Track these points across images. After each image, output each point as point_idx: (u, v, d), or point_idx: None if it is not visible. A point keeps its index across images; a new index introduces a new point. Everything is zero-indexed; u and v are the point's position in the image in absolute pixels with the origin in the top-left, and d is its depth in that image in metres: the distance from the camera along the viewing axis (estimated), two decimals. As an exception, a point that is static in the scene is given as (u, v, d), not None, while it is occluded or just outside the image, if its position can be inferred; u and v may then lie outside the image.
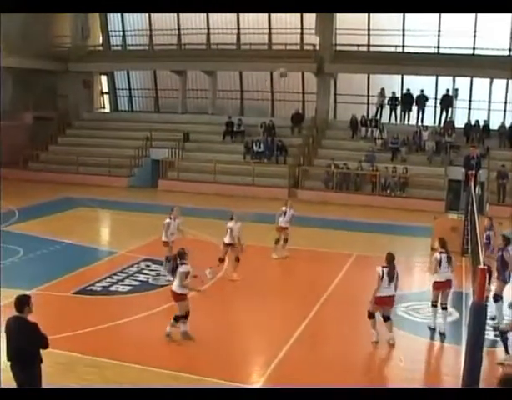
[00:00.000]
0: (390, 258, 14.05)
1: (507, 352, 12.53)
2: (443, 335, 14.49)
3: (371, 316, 13.93)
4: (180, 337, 13.35)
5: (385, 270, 13.78)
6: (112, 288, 16.91)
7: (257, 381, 11.64)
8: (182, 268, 13.30)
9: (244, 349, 13.21)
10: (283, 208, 20.92)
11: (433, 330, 14.75)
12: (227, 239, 18.29)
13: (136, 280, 17.77)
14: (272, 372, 12.00)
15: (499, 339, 13.88)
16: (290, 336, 13.60)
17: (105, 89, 47.39)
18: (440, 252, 14.70)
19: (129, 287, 17.06)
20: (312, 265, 20.62)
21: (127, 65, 43.75)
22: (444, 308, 14.79)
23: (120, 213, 27.99)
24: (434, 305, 14.88)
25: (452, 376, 11.66)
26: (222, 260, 18.48)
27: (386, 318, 13.91)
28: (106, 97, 47.57)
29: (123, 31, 45.56)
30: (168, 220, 18.33)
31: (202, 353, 12.77)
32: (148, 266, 19.21)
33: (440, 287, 14.69)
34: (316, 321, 14.88)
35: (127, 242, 21.96)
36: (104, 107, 47.51)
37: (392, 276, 13.70)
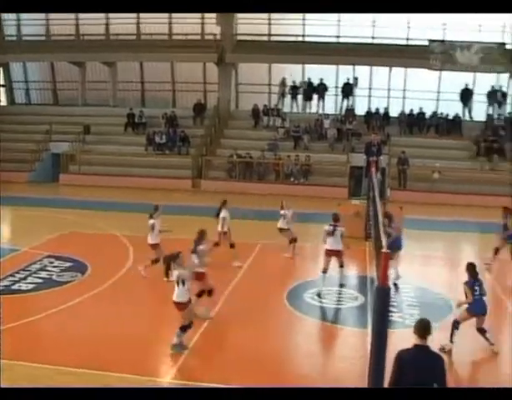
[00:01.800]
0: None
1: (451, 340, 12.87)
2: (343, 285, 16.79)
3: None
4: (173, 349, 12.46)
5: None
6: (15, 287, 16.28)
7: (165, 375, 11.41)
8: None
9: (152, 343, 12.92)
10: (282, 212, 20.36)
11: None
12: (220, 228, 18.94)
13: (39, 277, 17.17)
14: (181, 365, 11.80)
15: (402, 320, 14.16)
16: (198, 328, 13.40)
17: (0, 82, 45.80)
18: (330, 225, 16.59)
19: (33, 285, 16.44)
20: (217, 256, 20.44)
21: (22, 56, 42.16)
22: (341, 266, 16.85)
23: (21, 209, 27.04)
24: (324, 272, 16.46)
25: (359, 358, 11.75)
26: (217, 244, 18.75)
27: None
28: (2, 89, 45.99)
29: (18, 19, 43.78)
30: (152, 221, 17.38)
31: (108, 349, 12.42)
32: (51, 262, 18.57)
33: (330, 254, 16.56)
34: (224, 312, 14.74)
35: (29, 239, 21.23)
36: (0, 101, 45.94)
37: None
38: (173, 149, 36.87)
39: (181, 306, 12.40)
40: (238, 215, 26.48)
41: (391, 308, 9.47)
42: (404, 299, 16.22)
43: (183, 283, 12.29)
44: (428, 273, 19.75)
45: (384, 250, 9.44)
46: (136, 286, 16.54)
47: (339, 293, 16.47)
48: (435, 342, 11.74)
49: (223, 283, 16.45)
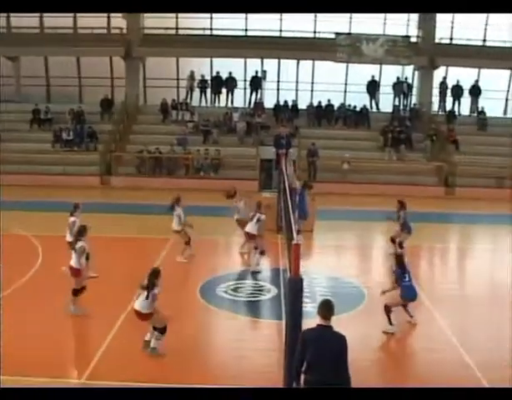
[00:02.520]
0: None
1: (391, 323, 13.41)
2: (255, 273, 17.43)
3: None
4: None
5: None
6: None
7: (79, 377, 11.07)
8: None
9: (63, 345, 12.54)
10: (235, 204, 20.43)
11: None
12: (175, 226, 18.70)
13: None
14: (95, 366, 11.49)
15: (315, 311, 14.17)
16: (112, 327, 13.10)
17: None
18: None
19: None
20: (128, 253, 20.13)
21: None
22: (257, 251, 17.78)
23: None
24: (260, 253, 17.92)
25: (276, 350, 11.70)
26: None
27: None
28: None
29: None
30: (72, 218, 16.74)
31: (18, 352, 11.95)
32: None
33: (246, 236, 18.34)
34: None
35: None
36: None
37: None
38: (81, 145, 36.10)
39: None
40: (149, 211, 26.32)
41: (304, 299, 9.43)
42: (318, 289, 16.28)
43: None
44: (340, 263, 19.97)
45: (294, 242, 9.45)
46: (45, 286, 16.04)
47: (253, 286, 16.43)
48: (352, 329, 11.88)
49: (137, 277, 16.15)
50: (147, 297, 11.85)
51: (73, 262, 13.74)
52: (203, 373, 11.29)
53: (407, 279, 13.59)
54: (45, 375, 10.81)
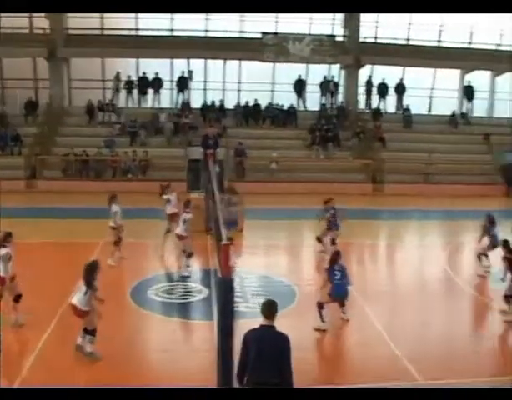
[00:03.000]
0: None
1: (322, 320, 13.41)
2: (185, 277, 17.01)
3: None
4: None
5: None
6: None
7: (12, 382, 10.75)
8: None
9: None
10: (165, 197, 20.78)
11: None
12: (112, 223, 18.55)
13: None
14: (29, 370, 11.18)
15: (249, 310, 14.21)
16: (44, 331, 12.80)
17: None
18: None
19: None
20: (56, 258, 19.70)
21: None
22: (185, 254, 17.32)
23: None
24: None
25: (209, 351, 11.59)
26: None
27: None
28: None
29: None
30: None
31: None
32: None
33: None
34: (68, 314, 14.13)
35: None
36: None
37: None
38: (5, 149, 35.23)
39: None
40: (76, 214, 25.89)
41: (236, 299, 9.41)
42: (249, 289, 16.26)
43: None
44: (270, 262, 19.97)
45: (223, 242, 9.41)
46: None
47: (184, 288, 16.27)
48: (284, 327, 11.79)
49: (67, 282, 15.85)
50: (85, 293, 11.65)
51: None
52: (137, 376, 11.14)
53: (338, 277, 13.55)
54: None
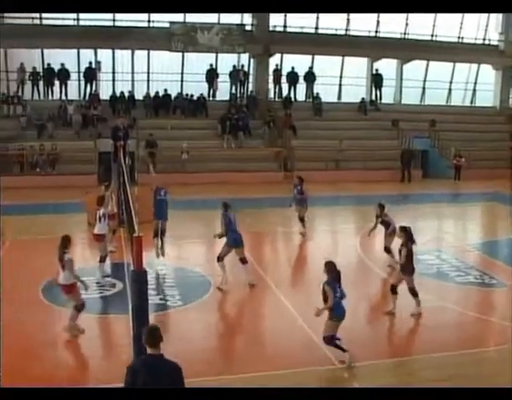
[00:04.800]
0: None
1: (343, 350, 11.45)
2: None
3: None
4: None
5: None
6: None
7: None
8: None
9: None
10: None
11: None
12: None
13: None
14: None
15: (164, 302, 14.12)
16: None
17: None
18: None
19: None
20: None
21: None
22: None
23: None
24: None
25: (126, 345, 11.37)
26: None
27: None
28: None
29: None
30: None
31: None
32: None
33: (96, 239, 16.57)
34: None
35: None
36: None
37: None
38: None
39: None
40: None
41: (150, 291, 9.29)
42: (163, 281, 16.16)
43: None
44: (184, 253, 19.85)
45: (136, 234, 9.34)
46: None
47: (97, 283, 15.96)
48: (201, 317, 11.73)
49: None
50: (63, 269, 12.31)
51: None
52: (57, 375, 10.91)
53: (338, 294, 11.28)
54: None
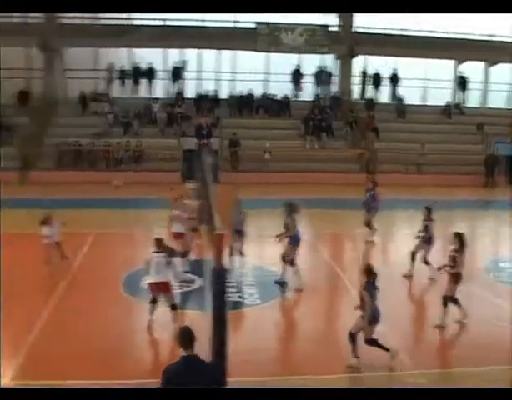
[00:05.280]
0: (157, 243, 13.08)
1: (356, 356, 11.39)
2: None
3: (152, 301, 13.04)
4: None
5: (154, 255, 12.91)
6: None
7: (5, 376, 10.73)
8: None
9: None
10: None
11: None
12: None
13: None
14: (22, 363, 11.15)
15: (242, 300, 14.28)
16: (35, 323, 12.77)
17: None
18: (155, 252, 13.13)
19: None
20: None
21: None
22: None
23: None
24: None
25: (201, 342, 11.56)
26: None
27: (172, 307, 13.04)
28: None
29: None
30: None
31: None
32: None
33: (154, 288, 13.12)
34: (62, 306, 14.11)
35: None
36: None
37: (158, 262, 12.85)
38: (-3, 140, 35.13)
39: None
40: (69, 205, 25.82)
41: (229, 289, 9.39)
42: (242, 279, 16.29)
43: None
44: (264, 252, 19.96)
45: (217, 232, 9.37)
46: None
47: (177, 277, 16.20)
48: (277, 316, 11.83)
49: (58, 277, 15.86)
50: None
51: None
52: (134, 370, 11.15)
53: (375, 298, 11.22)
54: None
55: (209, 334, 9.32)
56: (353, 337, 11.24)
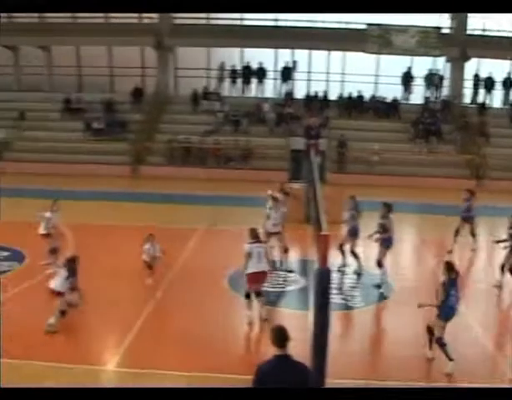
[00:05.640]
0: (254, 234, 13.54)
1: (430, 348, 11.70)
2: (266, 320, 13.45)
3: (248, 296, 13.43)
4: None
5: (253, 246, 13.25)
6: None
7: (108, 363, 11.16)
8: None
9: (93, 332, 12.64)
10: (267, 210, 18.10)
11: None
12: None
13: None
14: (125, 352, 11.58)
15: (344, 302, 14.31)
16: (140, 315, 13.22)
17: None
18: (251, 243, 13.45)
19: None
20: (158, 241, 20.05)
21: None
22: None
23: None
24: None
25: (301, 341, 11.70)
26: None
27: (258, 294, 13.49)
28: None
29: None
30: (48, 214, 16.54)
31: (48, 340, 12.09)
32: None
33: (253, 279, 13.34)
34: (167, 297, 14.54)
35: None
36: None
37: (259, 251, 13.23)
38: (112, 135, 36.31)
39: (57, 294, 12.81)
40: (178, 200, 26.47)
41: (332, 290, 9.40)
42: (346, 281, 16.29)
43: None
44: (368, 255, 19.88)
45: (323, 232, 9.40)
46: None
47: (281, 276, 16.40)
48: (378, 320, 11.85)
49: (166, 267, 16.30)
50: (66, 278, 12.69)
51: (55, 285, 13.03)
52: (229, 363, 11.36)
53: (453, 294, 11.29)
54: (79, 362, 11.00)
55: (309, 334, 9.41)
56: (430, 330, 11.49)
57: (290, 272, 16.90)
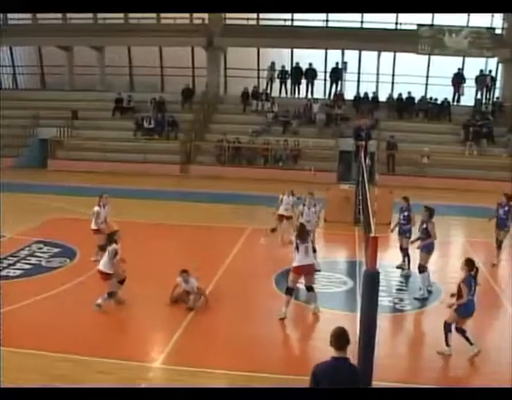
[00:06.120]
0: (302, 229, 13.94)
1: (448, 344, 11.85)
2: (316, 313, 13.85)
3: (289, 292, 13.53)
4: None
5: (299, 241, 13.53)
6: (3, 273, 15.97)
7: (155, 359, 11.32)
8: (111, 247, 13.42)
9: (140, 329, 12.84)
10: (280, 196, 20.04)
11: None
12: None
13: (28, 263, 16.89)
14: (171, 349, 11.73)
15: (392, 305, 14.26)
16: (188, 313, 13.36)
17: (-13, 66, 45.21)
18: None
19: (21, 271, 16.15)
20: (205, 241, 20.28)
21: (9, 40, 40.71)
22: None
23: (7, 195, 26.32)
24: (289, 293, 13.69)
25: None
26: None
27: (309, 289, 13.87)
28: (-12, 74, 45.42)
29: (4, 4, 43.07)
30: (97, 208, 16.91)
31: (97, 336, 12.31)
32: (40, 248, 18.29)
33: (299, 271, 13.62)
34: (214, 294, 14.66)
35: (16, 225, 20.77)
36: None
37: (307, 246, 13.57)
38: (162, 134, 36.73)
39: (106, 276, 13.44)
40: (227, 200, 26.62)
41: (380, 292, 9.38)
42: (393, 284, 16.21)
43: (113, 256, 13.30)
44: (417, 258, 19.76)
45: (372, 234, 9.42)
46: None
47: (328, 278, 16.42)
48: (424, 324, 11.77)
49: (214, 266, 16.44)
50: (108, 257, 13.34)
51: (103, 266, 13.56)
52: (273, 362, 11.42)
53: (472, 292, 11.55)
54: (122, 358, 11.19)
55: (356, 336, 9.43)
56: (447, 326, 11.72)
57: (318, 271, 16.71)
